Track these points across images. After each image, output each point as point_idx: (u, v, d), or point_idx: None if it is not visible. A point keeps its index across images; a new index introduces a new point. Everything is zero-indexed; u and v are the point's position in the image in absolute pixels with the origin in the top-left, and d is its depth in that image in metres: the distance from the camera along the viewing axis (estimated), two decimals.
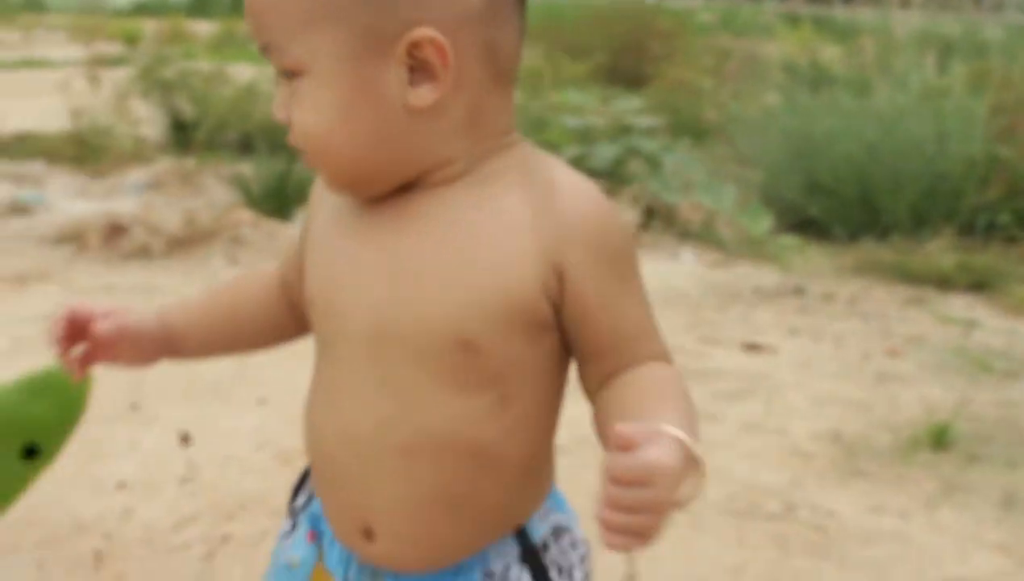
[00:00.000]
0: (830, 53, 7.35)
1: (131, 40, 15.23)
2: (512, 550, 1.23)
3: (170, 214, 5.87)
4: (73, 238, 5.50)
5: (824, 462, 3.38)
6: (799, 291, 5.12)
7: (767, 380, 4.04)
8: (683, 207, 5.89)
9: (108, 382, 3.61)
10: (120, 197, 6.48)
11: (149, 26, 15.39)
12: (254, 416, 3.61)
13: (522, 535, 1.23)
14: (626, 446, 0.90)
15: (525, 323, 1.10)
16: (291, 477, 3.06)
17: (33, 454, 2.24)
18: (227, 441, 3.43)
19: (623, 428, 0.91)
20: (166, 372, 3.80)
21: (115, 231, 5.49)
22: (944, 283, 5.19)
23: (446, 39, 1.05)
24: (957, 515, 3.07)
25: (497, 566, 1.22)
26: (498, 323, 1.09)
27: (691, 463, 0.94)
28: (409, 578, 1.23)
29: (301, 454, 3.19)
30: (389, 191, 1.15)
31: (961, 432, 3.54)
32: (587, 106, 7.22)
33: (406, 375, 1.13)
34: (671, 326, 4.55)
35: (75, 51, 16.51)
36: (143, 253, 5.39)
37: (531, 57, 11.55)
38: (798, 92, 6.58)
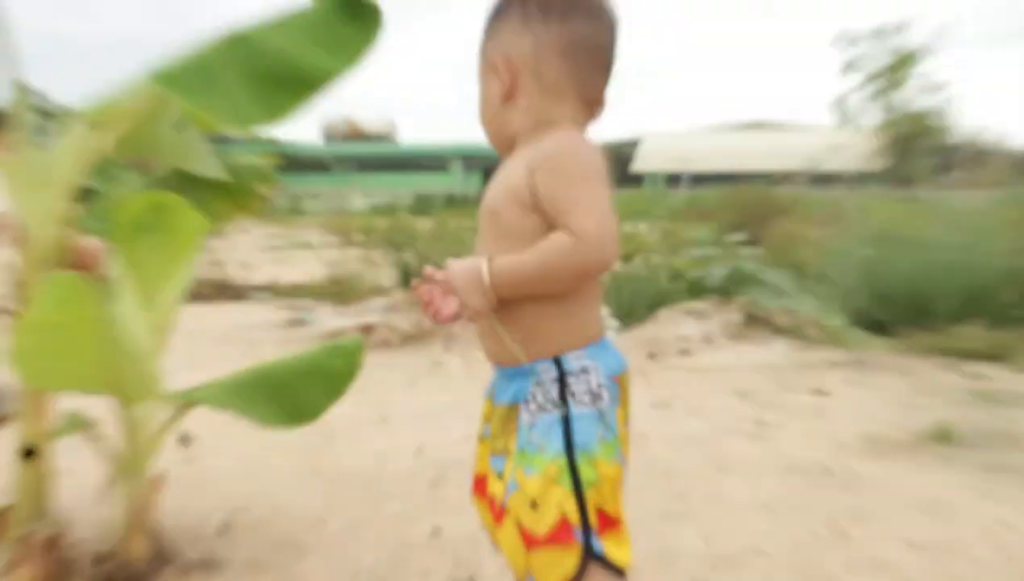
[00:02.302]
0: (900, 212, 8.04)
1: (368, 232, 16.66)
2: (553, 371, 1.63)
3: (403, 322, 6.86)
4: (336, 336, 6.51)
5: (857, 448, 4.02)
6: (860, 363, 5.72)
7: (826, 409, 4.69)
8: (776, 311, 6.56)
9: (365, 406, 4.53)
10: (366, 315, 7.48)
11: (381, 222, 16.91)
12: (464, 425, 4.44)
13: (558, 362, 1.63)
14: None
15: (519, 202, 1.59)
16: None
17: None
18: (446, 435, 4.25)
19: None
20: (406, 402, 4.70)
21: (366, 330, 6.50)
22: (970, 355, 5.74)
23: (508, 64, 1.65)
24: (945, 472, 3.70)
25: (544, 378, 1.62)
26: (506, 201, 1.61)
27: (479, 281, 1.57)
28: (503, 370, 1.70)
29: None
30: (508, 151, 1.72)
31: (961, 435, 4.15)
32: (706, 238, 8.03)
33: (482, 234, 1.70)
34: (758, 382, 5.26)
35: (328, 238, 18.16)
36: (385, 344, 6.37)
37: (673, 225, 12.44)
38: (867, 232, 7.22)
